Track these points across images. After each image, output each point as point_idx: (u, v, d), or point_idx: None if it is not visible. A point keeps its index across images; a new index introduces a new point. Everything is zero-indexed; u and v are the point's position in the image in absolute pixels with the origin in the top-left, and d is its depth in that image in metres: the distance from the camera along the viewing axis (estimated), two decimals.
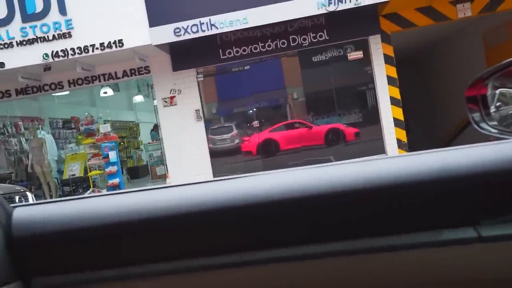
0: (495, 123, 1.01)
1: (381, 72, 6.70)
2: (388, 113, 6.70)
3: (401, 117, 6.71)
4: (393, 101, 6.73)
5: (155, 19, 6.70)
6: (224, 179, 0.72)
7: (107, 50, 6.63)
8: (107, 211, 0.67)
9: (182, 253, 0.67)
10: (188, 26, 6.62)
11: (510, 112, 1.05)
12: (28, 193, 3.86)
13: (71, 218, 0.66)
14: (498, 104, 1.07)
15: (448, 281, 0.68)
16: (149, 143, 9.00)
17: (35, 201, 0.61)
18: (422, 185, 0.65)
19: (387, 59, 6.72)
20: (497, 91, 1.09)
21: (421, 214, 0.67)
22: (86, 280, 0.65)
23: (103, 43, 6.62)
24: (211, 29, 6.44)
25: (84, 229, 0.65)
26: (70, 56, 6.52)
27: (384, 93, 6.71)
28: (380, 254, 0.66)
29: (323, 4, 6.43)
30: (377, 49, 6.70)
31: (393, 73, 6.72)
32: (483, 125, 0.99)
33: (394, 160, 0.70)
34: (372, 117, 6.93)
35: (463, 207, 0.66)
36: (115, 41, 6.66)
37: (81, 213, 0.66)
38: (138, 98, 9.39)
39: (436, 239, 0.65)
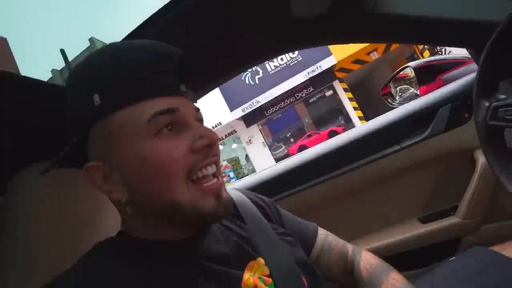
0: (397, 101, 1.43)
1: (344, 97, 9.53)
2: (354, 115, 9.48)
3: (361, 114, 9.44)
4: (355, 108, 9.52)
5: (232, 106, 9.70)
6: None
7: (215, 128, 9.84)
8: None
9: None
10: (247, 105, 9.59)
11: (407, 95, 1.42)
12: None
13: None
14: (400, 94, 1.47)
15: (391, 175, 0.92)
16: (245, 164, 12.28)
17: None
18: (370, 134, 0.91)
19: (345, 90, 9.57)
20: (398, 88, 1.49)
21: (369, 147, 0.90)
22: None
23: (213, 125, 9.99)
24: (257, 104, 9.84)
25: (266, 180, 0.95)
26: None
27: (349, 106, 9.52)
28: (363, 167, 0.92)
29: (307, 74, 9.51)
30: (338, 86, 9.55)
31: (350, 95, 9.53)
32: (393, 104, 1.43)
33: (358, 129, 0.97)
34: (348, 119, 9.71)
35: (393, 136, 0.92)
36: (217, 123, 9.82)
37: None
38: (234, 146, 12.56)
39: (378, 157, 0.91)
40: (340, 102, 9.69)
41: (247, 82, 10.03)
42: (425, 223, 0.97)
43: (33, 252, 0.51)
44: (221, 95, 9.81)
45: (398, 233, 0.96)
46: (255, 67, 9.89)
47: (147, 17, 0.59)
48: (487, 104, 0.67)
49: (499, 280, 0.58)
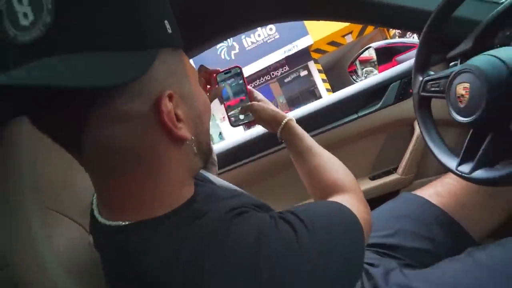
0: (361, 79, 1.65)
1: (318, 78, 9.80)
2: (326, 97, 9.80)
3: None
4: (327, 90, 9.84)
5: None
6: None
7: None
8: None
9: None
10: None
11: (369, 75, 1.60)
12: None
13: None
14: (366, 74, 1.71)
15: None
16: (218, 142, 12.37)
17: None
18: (333, 104, 1.11)
19: (319, 71, 9.82)
20: (364, 69, 1.67)
21: (331, 115, 1.06)
22: None
23: None
24: None
25: None
26: None
27: (322, 88, 9.83)
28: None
29: (283, 52, 9.58)
30: (313, 67, 9.76)
31: (324, 77, 9.81)
32: (357, 81, 1.54)
33: (323, 100, 1.16)
34: None
35: (352, 106, 1.09)
36: None
37: None
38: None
39: (338, 124, 1.08)
40: (314, 83, 9.73)
41: (223, 57, 9.94)
42: (373, 180, 1.19)
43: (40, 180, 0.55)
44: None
45: None
46: (231, 42, 9.85)
47: None
48: (420, 78, 0.86)
49: (408, 210, 0.82)
